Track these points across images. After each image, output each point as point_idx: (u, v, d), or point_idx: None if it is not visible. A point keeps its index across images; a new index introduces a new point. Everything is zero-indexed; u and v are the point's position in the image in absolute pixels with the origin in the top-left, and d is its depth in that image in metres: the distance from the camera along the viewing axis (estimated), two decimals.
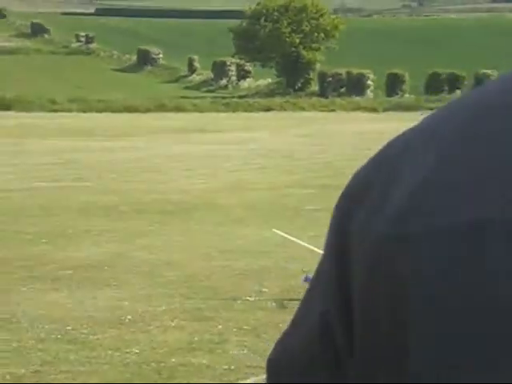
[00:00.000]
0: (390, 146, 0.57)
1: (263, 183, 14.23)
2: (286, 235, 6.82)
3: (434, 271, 0.49)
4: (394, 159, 0.55)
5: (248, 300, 6.76)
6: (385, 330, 0.51)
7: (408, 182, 0.52)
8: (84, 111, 39.11)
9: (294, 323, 0.60)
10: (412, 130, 0.58)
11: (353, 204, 0.55)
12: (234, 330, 5.99)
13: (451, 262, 0.48)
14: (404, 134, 0.58)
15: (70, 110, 39.21)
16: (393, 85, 45.70)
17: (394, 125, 34.36)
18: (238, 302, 6.70)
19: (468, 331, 0.47)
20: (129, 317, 6.32)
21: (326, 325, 0.55)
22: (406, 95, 44.66)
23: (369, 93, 45.99)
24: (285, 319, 6.14)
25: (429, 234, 0.50)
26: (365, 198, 0.54)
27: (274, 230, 5.39)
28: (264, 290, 7.05)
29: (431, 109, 40.14)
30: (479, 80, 45.32)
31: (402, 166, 0.53)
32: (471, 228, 0.49)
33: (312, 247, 6.87)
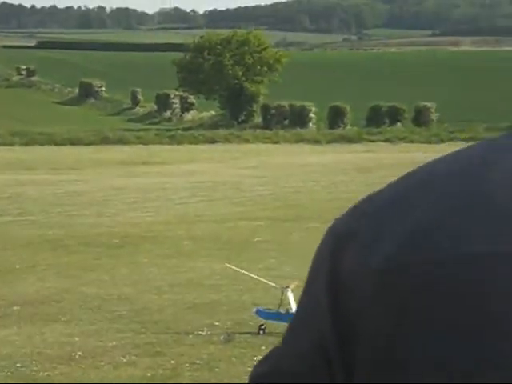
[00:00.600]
0: (370, 199, 0.69)
1: (211, 215, 14.22)
2: (237, 269, 6.81)
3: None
4: (380, 211, 0.66)
5: (200, 334, 6.73)
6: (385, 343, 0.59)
7: (401, 227, 0.62)
8: (26, 144, 38.68)
9: (285, 345, 0.67)
10: (382, 193, 0.69)
11: (342, 246, 0.64)
12: (187, 364, 5.96)
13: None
14: (381, 191, 0.68)
15: (12, 144, 38.73)
16: (335, 117, 46.23)
17: (337, 157, 34.68)
18: (190, 336, 6.67)
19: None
20: (79, 353, 6.24)
21: (321, 347, 0.62)
22: (348, 127, 45.20)
23: (311, 125, 46.43)
24: (237, 353, 6.12)
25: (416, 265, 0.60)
26: (353, 244, 0.63)
27: (226, 264, 5.34)
28: (216, 323, 7.03)
29: (373, 141, 40.69)
30: (419, 112, 46.13)
31: (389, 216, 0.64)
32: (473, 259, 0.58)
33: (263, 279, 6.88)
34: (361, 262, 0.62)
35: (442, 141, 40.96)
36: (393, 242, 0.62)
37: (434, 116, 47.32)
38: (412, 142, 40.36)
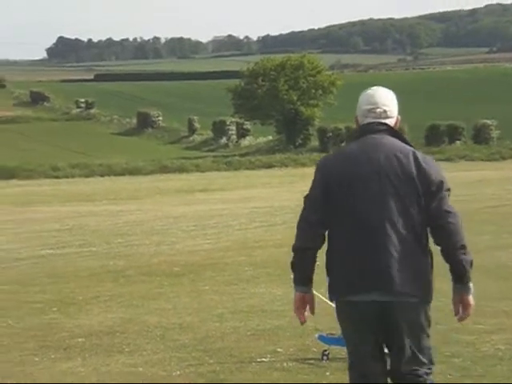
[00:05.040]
0: (326, 156, 4.40)
1: (271, 240, 14.20)
2: (321, 296, 6.68)
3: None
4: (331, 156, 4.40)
5: (263, 361, 6.69)
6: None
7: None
8: (86, 176, 39.26)
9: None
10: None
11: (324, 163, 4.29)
12: None
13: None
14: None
15: (72, 176, 39.37)
16: None
17: None
18: (253, 363, 6.63)
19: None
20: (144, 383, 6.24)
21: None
22: None
23: None
24: (301, 379, 6.06)
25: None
26: (325, 165, 4.28)
27: (314, 291, 4.73)
28: (279, 349, 6.98)
29: None
30: (478, 130, 45.54)
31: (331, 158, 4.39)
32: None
33: (326, 300, 6.76)
34: (325, 163, 4.26)
35: (503, 158, 40.33)
36: (331, 163, 4.22)
37: (495, 133, 46.59)
38: (473, 160, 39.84)
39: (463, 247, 3.99)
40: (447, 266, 4.10)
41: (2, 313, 9.02)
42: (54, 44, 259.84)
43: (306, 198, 4.18)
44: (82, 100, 71.50)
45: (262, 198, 23.34)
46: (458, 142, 45.10)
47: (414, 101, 64.48)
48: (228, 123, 56.08)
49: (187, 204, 23.48)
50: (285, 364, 6.48)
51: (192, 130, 60.09)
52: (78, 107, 71.13)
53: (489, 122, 45.60)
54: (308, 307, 4.25)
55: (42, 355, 7.19)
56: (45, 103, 74.36)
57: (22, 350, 7.37)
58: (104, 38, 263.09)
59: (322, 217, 4.08)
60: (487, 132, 45.27)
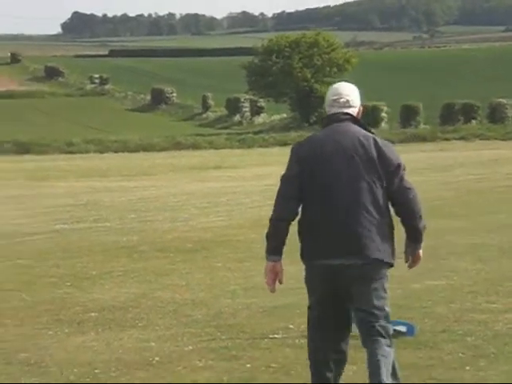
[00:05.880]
0: (299, 142, 4.98)
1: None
2: None
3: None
4: (304, 143, 4.95)
5: (275, 337, 6.71)
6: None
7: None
8: (101, 152, 39.34)
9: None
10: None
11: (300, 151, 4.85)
12: (263, 368, 5.94)
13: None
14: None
15: (86, 152, 39.46)
16: (407, 116, 45.75)
17: (411, 156, 34.19)
18: (265, 339, 6.65)
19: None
20: (156, 358, 6.28)
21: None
22: (421, 126, 44.66)
23: (383, 125, 46.03)
24: None
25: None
26: (300, 147, 4.86)
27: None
28: (290, 326, 7.01)
29: (447, 139, 40.09)
30: (494, 109, 45.29)
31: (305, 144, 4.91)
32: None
33: None
34: (298, 147, 4.85)
35: None
36: (303, 148, 4.80)
37: (510, 112, 46.25)
38: (488, 139, 39.60)
39: (420, 217, 4.74)
40: (403, 229, 4.82)
41: (17, 287, 9.09)
42: (68, 19, 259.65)
43: (283, 177, 4.79)
44: (97, 76, 71.49)
45: (275, 176, 23.25)
46: (473, 121, 44.87)
47: (429, 79, 64.13)
48: (242, 100, 55.96)
49: (200, 181, 23.50)
50: (296, 341, 6.50)
51: (206, 107, 60.03)
52: (93, 83, 71.14)
53: (504, 101, 45.32)
54: (278, 277, 4.87)
55: (55, 329, 7.24)
56: (59, 78, 74.40)
57: (36, 324, 7.43)
58: (119, 14, 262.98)
59: (295, 192, 4.69)
60: (503, 111, 44.99)
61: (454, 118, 44.89)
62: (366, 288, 4.64)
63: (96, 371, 6.00)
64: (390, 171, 4.65)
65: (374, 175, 4.64)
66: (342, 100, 4.79)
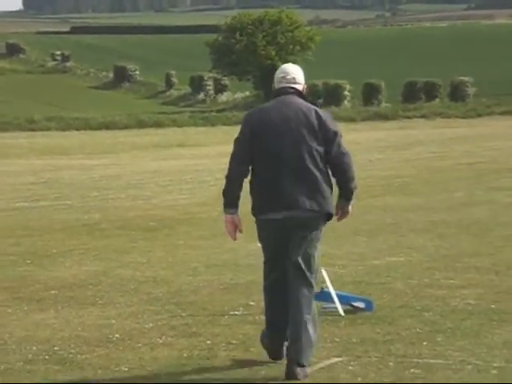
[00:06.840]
0: (250, 112, 5.59)
1: (245, 196, 14.21)
2: (326, 276, 6.81)
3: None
4: (253, 112, 5.56)
5: (235, 314, 6.74)
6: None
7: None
8: (62, 130, 38.96)
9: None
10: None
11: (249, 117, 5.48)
12: (223, 344, 5.97)
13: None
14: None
15: (48, 129, 39.06)
16: (369, 94, 45.85)
17: (373, 134, 34.33)
18: (226, 316, 6.68)
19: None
20: (116, 335, 6.28)
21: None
22: (383, 104, 44.83)
23: (346, 103, 46.14)
24: None
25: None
26: (250, 118, 5.47)
27: (258, 244, 5.62)
28: (251, 303, 7.04)
29: (409, 117, 40.30)
30: (455, 87, 45.57)
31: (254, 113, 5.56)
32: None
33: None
34: (249, 115, 5.50)
35: (479, 115, 40.35)
36: (253, 116, 5.44)
37: (471, 90, 46.51)
38: (449, 117, 39.86)
39: (353, 178, 5.38)
40: (337, 189, 5.41)
41: None
42: None
43: (236, 139, 5.44)
44: (58, 53, 70.62)
45: None
46: (437, 99, 45.10)
47: (391, 58, 64.34)
48: (206, 78, 55.70)
49: (163, 159, 23.42)
50: (257, 317, 6.54)
51: (169, 85, 59.65)
52: (54, 60, 70.27)
53: (466, 79, 45.60)
54: (238, 227, 5.47)
55: (14, 307, 7.21)
56: (20, 55, 73.39)
57: None
58: None
59: (246, 154, 5.36)
60: (463, 89, 45.26)
61: (415, 97, 45.09)
62: (305, 235, 5.28)
63: (55, 348, 5.99)
64: (329, 138, 5.30)
65: (314, 141, 5.29)
66: (288, 77, 5.44)
